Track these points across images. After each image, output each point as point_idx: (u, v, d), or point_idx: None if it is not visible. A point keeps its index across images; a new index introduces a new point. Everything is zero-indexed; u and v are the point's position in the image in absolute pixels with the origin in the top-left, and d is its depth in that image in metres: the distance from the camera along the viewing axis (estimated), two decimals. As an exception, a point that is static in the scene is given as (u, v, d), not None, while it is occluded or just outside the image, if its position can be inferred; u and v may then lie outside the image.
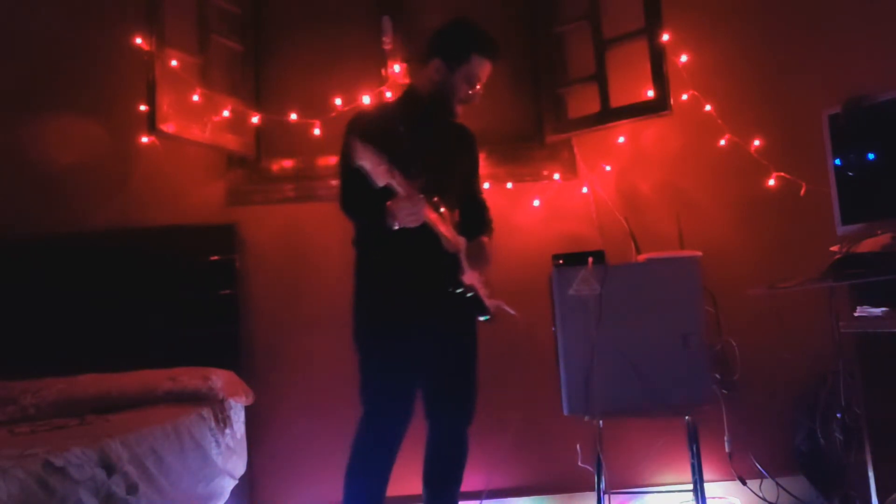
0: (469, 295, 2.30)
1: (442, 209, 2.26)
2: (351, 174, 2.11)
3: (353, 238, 2.36)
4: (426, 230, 2.18)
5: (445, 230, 2.25)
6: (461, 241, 2.32)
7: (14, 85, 3.26)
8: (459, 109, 2.39)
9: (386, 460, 2.25)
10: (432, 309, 2.28)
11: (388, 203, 2.07)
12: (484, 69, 2.34)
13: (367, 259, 2.34)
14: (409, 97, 2.41)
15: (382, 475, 2.25)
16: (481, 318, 2.41)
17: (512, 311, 2.49)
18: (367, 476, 2.25)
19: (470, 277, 2.32)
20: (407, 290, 2.26)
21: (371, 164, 1.94)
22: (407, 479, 2.47)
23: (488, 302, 2.38)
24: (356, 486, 2.25)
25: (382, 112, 2.41)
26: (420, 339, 2.30)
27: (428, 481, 2.41)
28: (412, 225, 2.08)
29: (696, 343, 2.57)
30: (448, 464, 2.42)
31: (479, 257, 2.37)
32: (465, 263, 2.32)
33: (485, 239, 2.42)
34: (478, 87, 2.36)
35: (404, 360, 2.27)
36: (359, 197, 2.17)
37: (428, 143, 2.32)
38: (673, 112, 3.03)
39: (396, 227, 2.08)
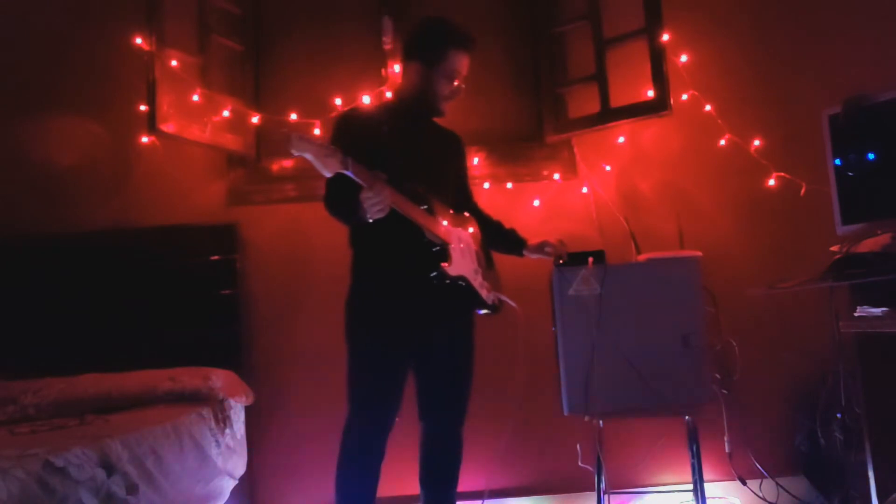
0: (461, 284, 2.29)
1: (429, 205, 2.25)
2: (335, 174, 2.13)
3: (349, 238, 2.37)
4: (407, 222, 2.17)
5: (432, 223, 2.24)
6: (452, 233, 2.31)
7: (14, 85, 3.27)
8: (446, 107, 2.39)
9: (375, 457, 2.25)
10: (420, 301, 2.27)
11: (360, 195, 2.05)
12: (462, 63, 2.34)
13: (358, 257, 2.34)
14: (395, 102, 2.41)
15: (372, 473, 2.25)
16: (480, 312, 2.40)
17: (513, 304, 2.49)
18: (358, 474, 2.24)
19: (461, 268, 2.31)
20: (392, 283, 2.26)
21: (314, 154, 1.92)
22: (406, 479, 2.48)
23: (485, 294, 2.38)
24: (347, 484, 2.24)
25: (369, 114, 2.41)
26: (408, 331, 2.28)
27: (424, 483, 2.40)
28: (379, 215, 2.05)
29: (696, 343, 2.57)
30: (443, 464, 2.41)
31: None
32: (458, 254, 2.31)
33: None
34: (458, 81, 2.35)
35: (389, 355, 2.26)
36: (338, 195, 2.16)
37: (415, 145, 2.33)
38: (673, 112, 3.03)
39: (370, 220, 2.06)
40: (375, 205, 2.03)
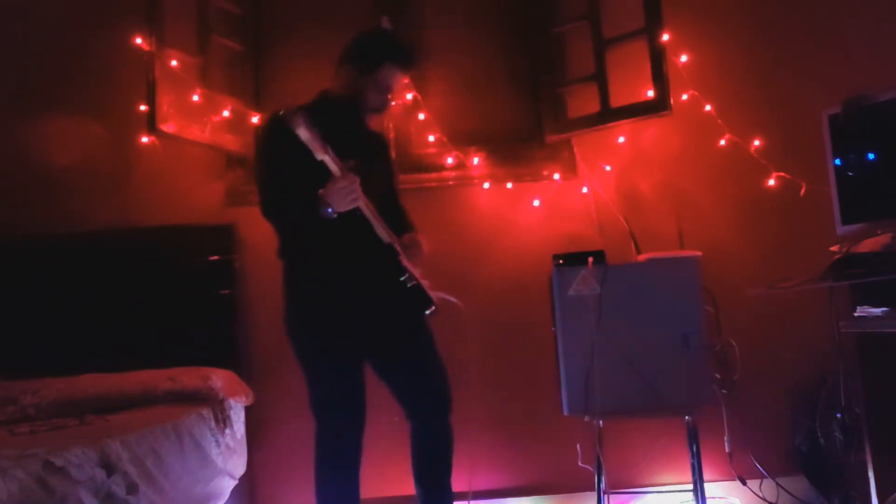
0: (411, 284, 2.27)
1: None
2: (272, 174, 2.15)
3: (278, 249, 2.31)
4: (360, 222, 2.16)
5: (381, 222, 2.23)
6: (393, 236, 2.30)
7: (14, 85, 3.27)
8: (370, 118, 2.38)
9: (350, 458, 2.23)
10: (375, 303, 2.25)
11: (320, 191, 2.03)
12: (395, 78, 2.31)
13: (298, 265, 2.29)
14: (323, 101, 2.36)
15: (350, 474, 2.23)
16: (427, 312, 2.36)
17: (455, 300, 2.48)
18: (334, 478, 2.23)
19: (412, 267, 2.30)
20: (346, 287, 2.24)
21: (307, 136, 1.95)
22: (400, 479, 2.47)
23: (431, 293, 2.36)
24: (326, 490, 2.23)
25: (312, 111, 2.41)
26: (363, 329, 2.26)
27: (418, 478, 2.38)
28: (350, 206, 2.05)
29: (696, 343, 2.58)
30: (433, 455, 2.38)
31: (415, 251, 2.35)
32: (403, 254, 2.29)
33: (418, 235, 2.40)
34: (389, 95, 2.32)
35: (340, 356, 2.24)
36: (284, 195, 2.14)
37: (357, 147, 2.29)
38: (673, 112, 3.03)
39: (333, 214, 2.04)
40: (349, 193, 2.03)
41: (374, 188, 2.29)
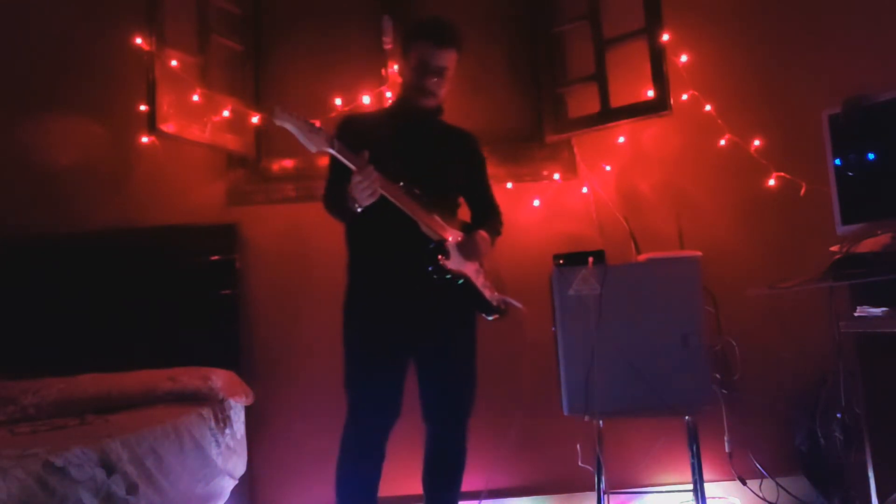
0: (459, 282, 2.28)
1: (423, 202, 2.24)
2: (330, 172, 2.24)
3: (345, 240, 2.38)
4: (402, 217, 2.18)
5: (427, 218, 2.24)
6: (454, 234, 2.31)
7: (14, 85, 3.27)
8: (429, 101, 2.32)
9: (374, 457, 2.24)
10: (417, 296, 2.26)
11: (350, 183, 2.09)
12: (430, 53, 2.26)
13: (352, 255, 2.36)
14: (392, 102, 2.44)
15: (372, 473, 2.25)
16: (489, 317, 2.39)
17: (518, 305, 2.48)
18: (356, 474, 2.25)
19: (461, 266, 2.30)
20: (387, 280, 2.26)
21: (297, 128, 2.01)
22: (408, 478, 2.48)
23: (489, 295, 2.37)
24: (346, 485, 2.25)
25: (368, 115, 2.49)
26: (402, 329, 2.28)
27: (427, 484, 2.40)
28: (369, 200, 2.08)
29: (696, 343, 2.57)
30: (446, 465, 2.40)
31: (471, 249, 2.33)
32: (455, 252, 2.30)
33: (481, 232, 2.37)
34: (431, 77, 2.28)
35: (382, 353, 2.26)
36: (333, 191, 2.22)
37: (412, 144, 2.32)
38: (673, 112, 3.03)
39: (359, 209, 2.09)
40: (365, 189, 2.06)
41: (441, 185, 2.32)
